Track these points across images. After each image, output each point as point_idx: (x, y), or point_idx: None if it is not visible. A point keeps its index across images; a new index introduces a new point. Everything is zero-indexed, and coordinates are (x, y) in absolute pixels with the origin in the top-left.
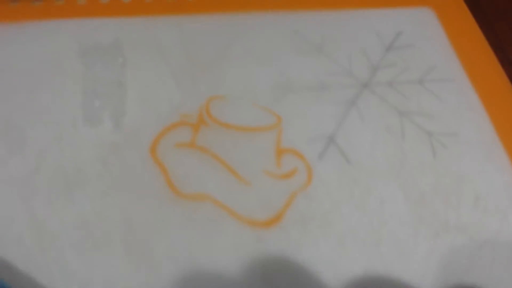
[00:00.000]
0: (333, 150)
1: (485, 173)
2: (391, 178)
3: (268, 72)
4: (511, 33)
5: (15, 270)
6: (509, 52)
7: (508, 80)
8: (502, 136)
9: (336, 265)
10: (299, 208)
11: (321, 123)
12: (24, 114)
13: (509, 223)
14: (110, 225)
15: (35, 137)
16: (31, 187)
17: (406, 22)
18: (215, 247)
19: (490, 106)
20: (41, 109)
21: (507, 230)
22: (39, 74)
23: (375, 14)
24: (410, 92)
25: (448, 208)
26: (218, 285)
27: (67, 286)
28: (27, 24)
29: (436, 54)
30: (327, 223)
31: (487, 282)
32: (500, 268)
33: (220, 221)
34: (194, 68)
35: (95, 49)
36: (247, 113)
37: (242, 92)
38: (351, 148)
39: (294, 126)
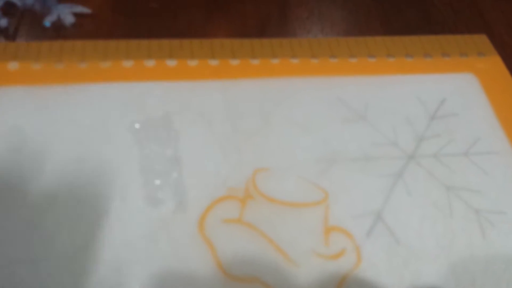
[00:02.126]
0: (381, 227)
1: None
2: (441, 260)
3: (312, 142)
4: None
5: None
6: None
7: None
8: None
9: None
10: None
11: (368, 198)
12: (72, 186)
13: None
14: None
15: (81, 213)
16: (78, 265)
17: (449, 88)
18: None
19: None
20: (88, 181)
21: None
22: (86, 142)
23: (418, 80)
24: (456, 165)
25: None
26: None
27: None
28: (73, 86)
29: (480, 124)
30: None
31: None
32: None
33: None
34: (239, 137)
35: (146, 121)
36: (293, 187)
37: (287, 163)
38: (399, 226)
39: (341, 201)
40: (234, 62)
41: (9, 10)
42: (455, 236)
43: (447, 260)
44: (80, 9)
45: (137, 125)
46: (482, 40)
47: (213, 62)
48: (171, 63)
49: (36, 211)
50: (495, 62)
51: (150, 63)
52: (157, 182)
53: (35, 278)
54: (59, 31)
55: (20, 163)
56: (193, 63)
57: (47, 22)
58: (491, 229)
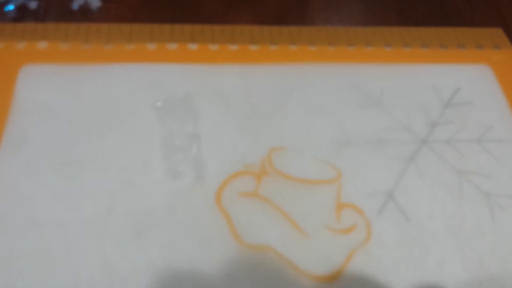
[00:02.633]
0: (392, 206)
1: None
2: (450, 239)
3: (328, 124)
4: None
5: None
6: None
7: None
8: None
9: None
10: (358, 265)
11: (380, 178)
12: (97, 157)
13: None
14: (177, 271)
15: (106, 182)
16: (103, 229)
17: (464, 78)
18: None
19: None
20: (113, 152)
21: None
22: (110, 118)
23: (433, 70)
24: (468, 151)
25: (506, 273)
26: None
27: None
28: (98, 66)
29: (493, 113)
30: (387, 281)
31: None
32: None
33: (281, 273)
34: (257, 118)
35: (168, 100)
36: (307, 165)
37: (302, 144)
38: (410, 206)
39: (354, 180)
40: (254, 48)
41: None
42: (465, 217)
43: (455, 239)
44: None
45: (159, 103)
46: (498, 33)
47: (233, 47)
48: (193, 46)
49: (64, 179)
50: (510, 54)
51: (173, 46)
52: (177, 156)
53: (62, 239)
54: (86, 15)
55: (48, 136)
56: (213, 47)
57: (75, 5)
58: (500, 212)
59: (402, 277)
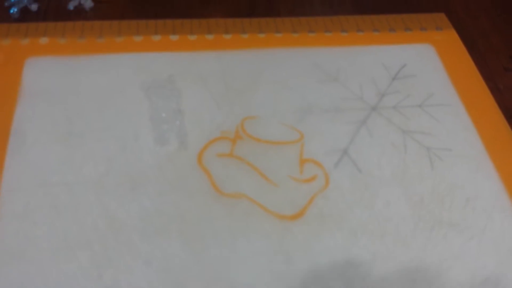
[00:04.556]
0: (346, 160)
1: (475, 180)
2: (395, 185)
3: (292, 97)
4: (501, 65)
5: (93, 250)
6: (499, 81)
7: (497, 105)
8: (490, 150)
9: (349, 253)
10: (318, 206)
11: (337, 139)
12: (95, 130)
13: (493, 221)
14: (167, 217)
15: (104, 148)
16: (103, 187)
17: (410, 56)
18: (250, 235)
19: (480, 126)
20: (109, 125)
21: (491, 226)
22: (105, 98)
23: (383, 50)
24: (412, 114)
25: (443, 208)
26: (252, 264)
27: (134, 262)
28: (93, 56)
29: (434, 83)
30: (342, 219)
31: (476, 268)
32: (485, 256)
33: (254, 214)
34: (231, 94)
35: (154, 82)
36: (275, 130)
37: (271, 113)
38: (361, 160)
39: (314, 141)
40: (227, 37)
41: None
42: (408, 167)
43: (400, 184)
44: None
45: (146, 84)
46: (440, 17)
47: (209, 37)
48: (174, 37)
49: (68, 148)
50: (450, 34)
51: (157, 38)
52: (164, 127)
53: (69, 196)
54: (80, 14)
55: (53, 114)
56: (192, 37)
57: (71, 6)
58: (439, 162)
59: (354, 215)
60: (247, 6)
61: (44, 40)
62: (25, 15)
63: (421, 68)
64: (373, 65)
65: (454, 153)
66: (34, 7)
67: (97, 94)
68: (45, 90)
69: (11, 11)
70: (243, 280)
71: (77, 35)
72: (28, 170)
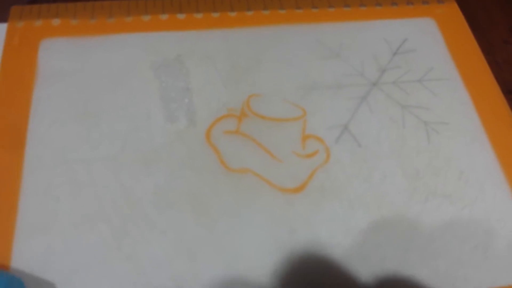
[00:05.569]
0: (347, 135)
1: (469, 153)
2: (393, 158)
3: (295, 74)
4: (501, 39)
5: (112, 222)
6: (498, 55)
7: (494, 79)
8: (486, 124)
9: (347, 223)
10: (319, 180)
11: (338, 114)
12: (110, 109)
13: (485, 192)
14: (178, 191)
15: (119, 127)
16: (119, 164)
17: (411, 30)
18: (255, 207)
19: (477, 100)
20: (122, 105)
21: (482, 197)
22: (118, 78)
23: (385, 24)
24: (411, 89)
25: (437, 180)
26: (257, 234)
27: (150, 233)
28: (103, 36)
29: (434, 58)
30: (341, 191)
31: (466, 236)
32: (475, 225)
33: (259, 188)
34: (237, 72)
35: (163, 62)
36: (278, 107)
37: (275, 90)
38: (361, 134)
39: (316, 117)
40: (232, 14)
41: None
42: (405, 141)
43: (397, 157)
44: None
45: (156, 64)
46: None
47: (215, 15)
48: (181, 16)
49: (85, 127)
50: (452, 7)
51: (164, 17)
52: (173, 105)
53: (87, 173)
54: None
55: (69, 94)
56: (198, 15)
57: None
58: (436, 136)
59: (353, 187)
60: None
61: (56, 22)
62: None
63: (422, 42)
64: (375, 41)
65: (450, 127)
66: None
67: (109, 75)
68: (60, 71)
69: None
70: (249, 249)
71: (88, 15)
72: (48, 149)
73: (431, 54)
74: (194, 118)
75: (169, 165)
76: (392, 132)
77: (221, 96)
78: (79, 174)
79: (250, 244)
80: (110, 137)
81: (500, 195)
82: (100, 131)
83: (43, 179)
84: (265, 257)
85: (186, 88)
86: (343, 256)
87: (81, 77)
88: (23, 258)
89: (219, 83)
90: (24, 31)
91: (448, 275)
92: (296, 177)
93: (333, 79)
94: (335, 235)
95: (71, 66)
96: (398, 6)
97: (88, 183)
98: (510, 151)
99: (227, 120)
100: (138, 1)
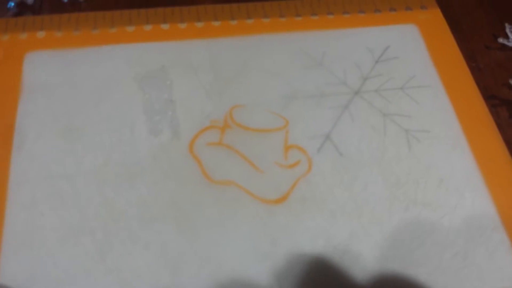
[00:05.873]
0: (328, 145)
1: (449, 161)
2: (374, 167)
3: (278, 84)
4: (484, 45)
5: (96, 235)
6: (480, 60)
7: (476, 85)
8: (466, 131)
9: (328, 233)
10: (301, 190)
11: (320, 124)
12: (94, 123)
13: (465, 200)
14: (162, 204)
15: (102, 140)
16: (102, 177)
17: (393, 37)
18: (238, 219)
19: (459, 106)
20: (106, 118)
21: (462, 205)
22: (102, 91)
23: (367, 32)
24: (393, 97)
25: (417, 188)
26: (240, 246)
27: (134, 245)
28: (88, 49)
29: (416, 65)
30: (322, 201)
31: (446, 244)
32: (455, 233)
33: (242, 200)
34: (220, 83)
35: (147, 73)
36: (261, 117)
37: (258, 100)
38: (343, 144)
39: (299, 127)
40: (216, 24)
41: None
42: (386, 149)
43: (378, 166)
44: None
45: (139, 76)
46: None
47: (199, 25)
48: (165, 26)
49: (69, 141)
50: (435, 13)
51: (148, 28)
52: (157, 118)
53: (71, 187)
54: (74, 6)
55: (53, 107)
56: (182, 25)
57: None
58: (417, 144)
59: (334, 198)
60: None
61: (41, 34)
62: (22, 9)
63: (404, 49)
64: (357, 48)
65: (431, 135)
66: (30, 1)
67: (93, 87)
68: (44, 84)
69: (9, 5)
70: (232, 261)
71: (72, 27)
72: (33, 164)
73: (413, 61)
74: (177, 130)
75: (152, 177)
76: (373, 141)
77: (204, 108)
78: (63, 188)
79: (233, 255)
80: (94, 150)
81: (480, 202)
82: (84, 145)
83: (28, 194)
84: (248, 268)
85: (169, 100)
86: (324, 267)
87: (66, 90)
88: (9, 273)
89: (203, 94)
90: (9, 45)
91: (429, 283)
92: (278, 188)
93: (316, 88)
94: (316, 246)
95: (56, 79)
96: (382, 12)
97: (72, 198)
98: (490, 157)
99: (210, 132)
100: (122, 11)
